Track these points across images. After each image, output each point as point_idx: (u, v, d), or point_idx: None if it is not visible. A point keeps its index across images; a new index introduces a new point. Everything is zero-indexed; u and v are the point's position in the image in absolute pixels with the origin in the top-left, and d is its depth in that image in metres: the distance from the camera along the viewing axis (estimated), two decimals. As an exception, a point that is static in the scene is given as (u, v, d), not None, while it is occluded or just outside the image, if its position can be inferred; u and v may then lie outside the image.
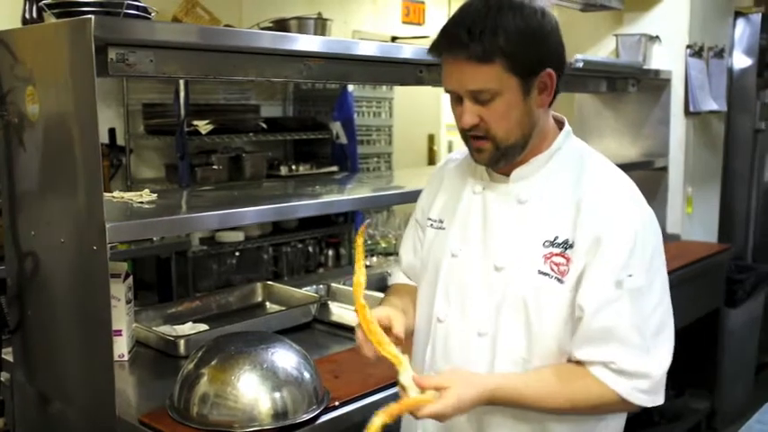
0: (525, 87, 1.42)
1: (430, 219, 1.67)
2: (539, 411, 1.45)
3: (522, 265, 1.46)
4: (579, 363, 1.44)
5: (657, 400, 1.45)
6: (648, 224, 1.46)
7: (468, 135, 1.48)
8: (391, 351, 1.41)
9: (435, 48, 1.46)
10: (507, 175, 1.53)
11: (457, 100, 1.47)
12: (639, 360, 1.41)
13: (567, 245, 1.43)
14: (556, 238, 1.44)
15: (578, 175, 1.49)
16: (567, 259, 1.42)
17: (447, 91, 1.49)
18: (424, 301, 1.65)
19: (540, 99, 1.46)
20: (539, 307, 1.44)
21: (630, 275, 1.40)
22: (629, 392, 1.41)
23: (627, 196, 1.48)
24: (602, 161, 1.55)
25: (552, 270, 1.43)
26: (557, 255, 1.43)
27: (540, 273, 1.44)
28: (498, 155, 1.47)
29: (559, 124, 1.57)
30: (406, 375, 1.38)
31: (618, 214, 1.43)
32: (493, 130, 1.44)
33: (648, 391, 1.43)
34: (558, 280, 1.43)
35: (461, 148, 1.68)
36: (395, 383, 1.73)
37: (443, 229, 1.62)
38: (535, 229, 1.46)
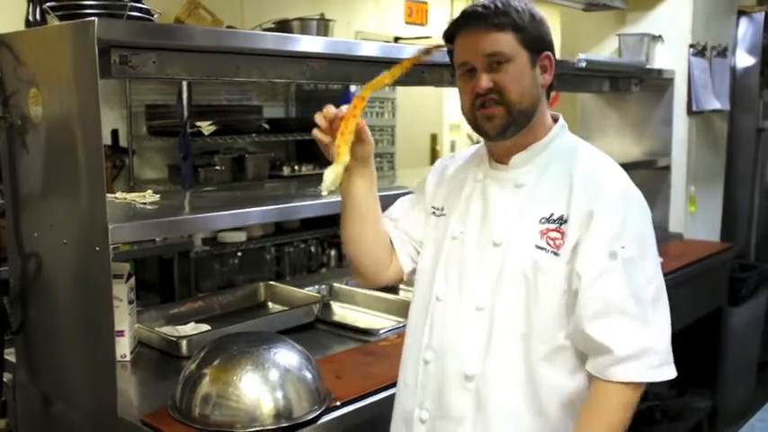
0: (532, 61, 1.55)
1: (433, 207, 1.74)
2: None
3: (519, 241, 1.53)
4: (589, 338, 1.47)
5: (670, 372, 1.49)
6: (637, 202, 1.55)
7: (479, 104, 1.55)
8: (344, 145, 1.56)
9: (452, 28, 1.59)
10: (505, 164, 1.62)
11: (468, 73, 1.56)
12: (641, 335, 1.46)
13: (561, 220, 1.51)
14: (551, 214, 1.52)
15: (572, 160, 1.58)
16: (562, 233, 1.50)
17: (460, 66, 1.58)
18: (421, 284, 1.70)
19: (543, 78, 1.58)
20: (537, 280, 1.51)
21: (623, 247, 1.47)
22: (641, 374, 1.45)
23: (616, 175, 1.57)
24: (594, 150, 1.64)
25: (548, 244, 1.51)
26: (552, 230, 1.52)
27: (537, 247, 1.52)
28: (510, 120, 1.54)
29: (555, 120, 1.66)
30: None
31: (607, 190, 1.52)
32: (506, 93, 1.52)
33: (660, 365, 1.47)
34: (554, 254, 1.50)
35: (461, 150, 1.78)
36: (395, 384, 1.75)
37: (444, 215, 1.70)
38: (532, 209, 1.55)
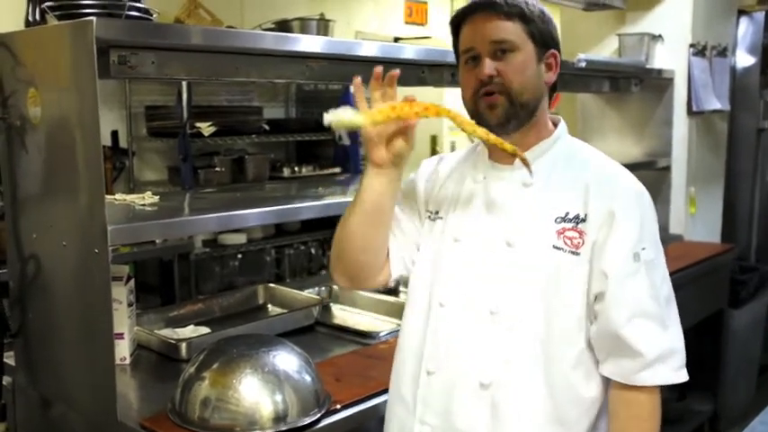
0: (538, 56, 1.53)
1: (428, 211, 1.68)
2: None
3: (535, 242, 1.50)
4: (619, 339, 1.47)
5: (686, 374, 1.51)
6: (649, 203, 1.55)
7: (482, 93, 1.51)
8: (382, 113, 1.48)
9: (460, 15, 1.57)
10: (510, 163, 1.57)
11: (473, 60, 1.53)
12: (664, 337, 1.48)
13: (578, 219, 1.49)
14: (567, 213, 1.50)
15: (580, 160, 1.57)
16: (580, 232, 1.48)
17: (464, 53, 1.55)
18: (418, 291, 1.63)
19: (547, 76, 1.56)
20: (557, 281, 1.48)
21: (644, 248, 1.48)
22: (668, 376, 1.47)
23: (628, 176, 1.57)
24: (598, 152, 1.63)
25: (566, 244, 1.48)
26: (569, 229, 1.49)
27: (555, 247, 1.48)
28: (511, 111, 1.51)
29: (554, 123, 1.64)
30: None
31: (626, 192, 1.52)
32: (508, 83, 1.49)
33: (680, 367, 1.49)
34: (573, 253, 1.48)
35: (446, 154, 1.77)
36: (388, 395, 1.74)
37: (441, 218, 1.64)
38: (544, 208, 1.51)
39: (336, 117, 1.44)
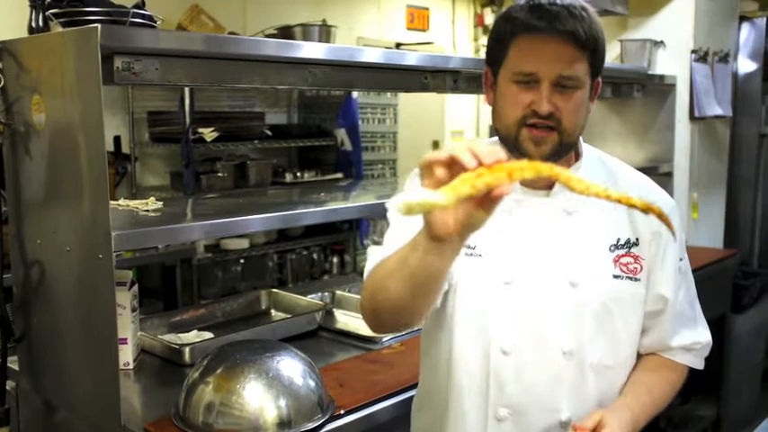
0: (591, 89, 1.43)
1: None
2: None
3: (596, 275, 1.45)
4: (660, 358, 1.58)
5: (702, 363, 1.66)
6: (678, 211, 1.57)
7: (531, 123, 1.36)
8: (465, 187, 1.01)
9: (523, 24, 1.34)
10: (542, 188, 1.46)
11: (525, 84, 1.36)
12: (699, 334, 1.61)
13: (630, 244, 1.47)
14: (618, 240, 1.47)
15: (610, 177, 1.51)
16: (636, 257, 1.47)
17: (518, 73, 1.36)
18: (467, 336, 1.49)
19: (592, 106, 1.46)
20: (623, 310, 1.47)
21: (681, 259, 1.54)
22: (698, 364, 1.63)
23: (661, 190, 1.59)
24: (618, 161, 1.61)
25: (623, 271, 1.46)
26: (624, 255, 1.47)
27: (615, 277, 1.46)
28: (559, 149, 1.40)
29: None
30: None
31: (665, 207, 1.40)
32: (564, 122, 1.37)
33: (705, 355, 1.65)
34: (631, 278, 1.47)
35: None
36: (400, 391, 1.73)
37: (479, 256, 1.46)
38: (596, 238, 1.46)
39: (406, 202, 0.98)
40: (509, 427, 1.48)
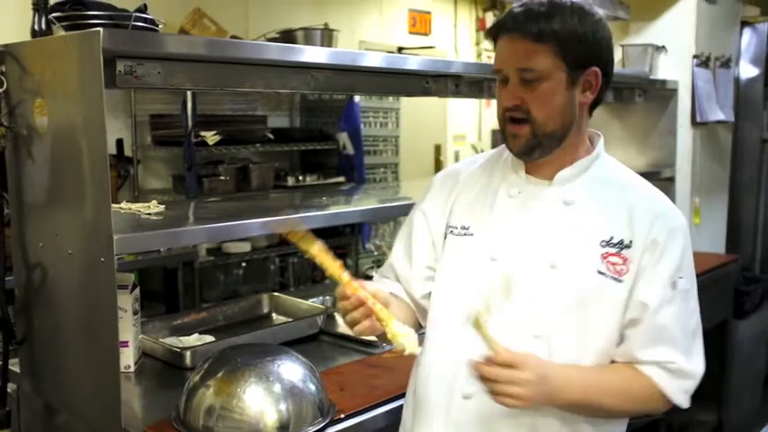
0: (571, 79, 1.45)
1: (451, 226, 1.62)
2: (590, 409, 1.47)
3: (579, 265, 1.46)
4: (629, 364, 1.50)
5: (687, 401, 1.52)
6: (688, 233, 1.54)
7: (507, 119, 1.47)
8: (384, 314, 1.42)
9: (493, 29, 1.49)
10: (547, 178, 1.53)
11: (503, 82, 1.48)
12: (687, 361, 1.48)
13: (622, 245, 1.46)
14: (611, 238, 1.47)
15: (620, 181, 1.55)
16: (624, 259, 1.46)
17: (495, 73, 1.50)
18: (447, 311, 1.58)
19: (584, 96, 1.49)
20: (599, 308, 1.46)
21: (681, 277, 1.47)
22: (675, 392, 1.48)
23: (671, 204, 1.56)
24: (633, 172, 1.62)
25: (609, 270, 1.46)
26: (613, 255, 1.46)
27: (599, 272, 1.46)
28: (534, 142, 1.46)
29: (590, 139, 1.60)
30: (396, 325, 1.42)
31: (671, 220, 1.50)
32: (533, 113, 1.44)
33: (689, 392, 1.50)
34: (616, 279, 1.45)
35: (461, 161, 1.72)
36: (401, 395, 1.74)
37: (471, 235, 1.57)
38: (588, 230, 1.48)
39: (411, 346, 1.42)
40: (473, 405, 1.50)
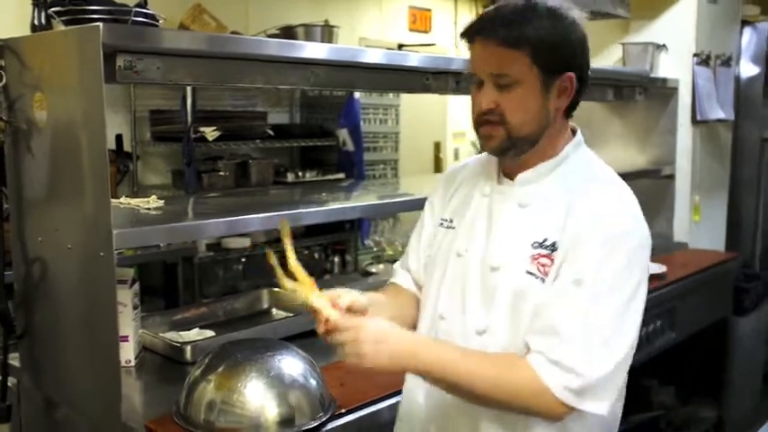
0: (546, 84, 1.45)
1: (443, 219, 1.68)
2: (459, 389, 1.41)
3: (512, 266, 1.48)
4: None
5: (590, 405, 1.39)
6: (632, 234, 1.44)
7: (481, 121, 1.49)
8: (302, 275, 1.52)
9: (467, 32, 1.49)
10: (513, 179, 1.55)
11: (478, 86, 1.49)
12: (576, 357, 1.37)
13: (553, 247, 1.45)
14: (545, 240, 1.46)
15: (578, 182, 1.50)
16: (552, 261, 1.44)
17: (471, 76, 1.51)
18: (429, 299, 1.65)
19: (558, 102, 1.48)
20: (528, 307, 1.45)
21: (596, 277, 1.39)
22: (557, 386, 1.37)
23: (616, 203, 1.48)
24: (606, 172, 1.55)
25: (538, 270, 1.45)
26: (543, 256, 1.45)
27: (528, 273, 1.46)
28: (509, 144, 1.48)
29: (573, 132, 1.58)
30: (316, 296, 1.47)
31: (600, 217, 1.43)
32: (508, 117, 1.45)
33: (578, 392, 1.37)
34: (542, 280, 1.44)
35: (471, 157, 1.74)
36: (402, 391, 1.74)
37: (453, 228, 1.64)
38: (529, 231, 1.48)
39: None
40: (437, 392, 1.53)
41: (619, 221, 1.44)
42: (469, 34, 1.49)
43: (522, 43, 1.41)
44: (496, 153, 1.53)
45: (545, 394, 1.37)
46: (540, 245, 1.46)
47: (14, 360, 2.10)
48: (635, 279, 1.42)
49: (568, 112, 1.53)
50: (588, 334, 1.38)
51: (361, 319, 1.43)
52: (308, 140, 5.08)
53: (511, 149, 1.49)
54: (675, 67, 3.99)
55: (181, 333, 2.35)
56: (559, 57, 1.44)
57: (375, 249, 4.40)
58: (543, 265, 1.45)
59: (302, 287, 1.50)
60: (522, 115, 1.45)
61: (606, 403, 1.40)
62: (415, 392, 1.65)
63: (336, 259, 5.28)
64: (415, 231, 1.80)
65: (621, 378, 1.45)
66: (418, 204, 1.94)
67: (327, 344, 1.42)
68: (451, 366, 1.40)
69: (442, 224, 1.68)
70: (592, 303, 1.39)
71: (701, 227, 4.14)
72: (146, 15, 1.84)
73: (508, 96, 1.44)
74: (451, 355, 1.43)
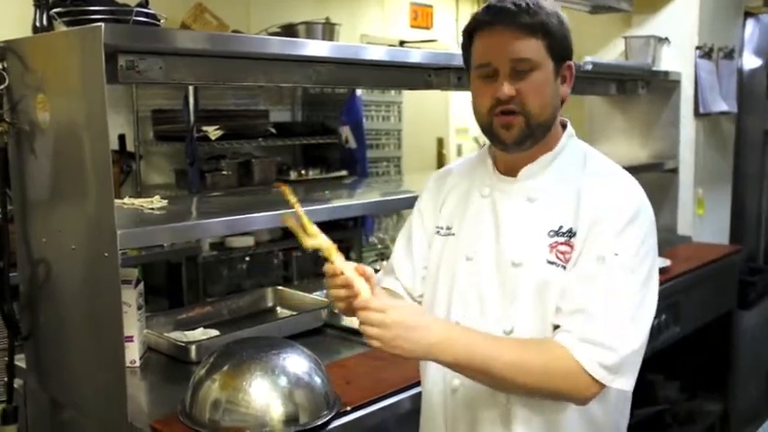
0: (556, 71, 1.49)
1: (438, 227, 1.67)
2: (489, 372, 1.39)
3: (533, 258, 1.48)
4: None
5: (621, 381, 1.40)
6: (643, 212, 1.47)
7: (497, 112, 1.47)
8: (321, 239, 1.45)
9: (475, 23, 1.50)
10: (514, 175, 1.56)
11: (487, 77, 1.47)
12: (607, 332, 1.38)
13: (570, 233, 1.46)
14: (560, 227, 1.47)
15: (581, 171, 1.53)
16: (572, 247, 1.45)
17: (479, 67, 1.49)
18: (439, 308, 1.62)
19: (563, 89, 1.52)
20: (552, 296, 1.45)
21: (616, 254, 1.42)
22: (591, 363, 1.37)
23: (624, 184, 1.51)
24: (603, 158, 1.59)
25: (558, 259, 1.46)
26: (562, 243, 1.46)
27: (549, 262, 1.46)
28: (528, 132, 1.47)
29: (562, 126, 1.60)
30: (339, 259, 1.43)
31: (613, 198, 1.46)
32: (528, 104, 1.45)
33: (611, 368, 1.38)
34: (563, 267, 1.45)
35: (454, 162, 1.75)
36: (407, 388, 1.74)
37: (453, 234, 1.63)
38: (542, 222, 1.49)
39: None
40: (460, 397, 1.55)
41: (631, 203, 1.47)
42: (482, 24, 1.49)
43: (538, 30, 1.44)
44: (516, 142, 1.49)
45: (576, 374, 1.38)
46: (557, 233, 1.47)
47: (20, 361, 2.10)
48: (650, 258, 1.47)
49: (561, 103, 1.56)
50: (615, 311, 1.40)
51: (395, 301, 1.40)
52: (310, 138, 5.08)
53: (528, 139, 1.49)
54: (678, 60, 3.98)
55: (185, 333, 2.35)
56: (565, 45, 1.50)
57: (379, 246, 4.41)
58: (563, 253, 1.45)
59: (324, 247, 1.46)
60: (540, 100, 1.46)
61: (633, 380, 1.44)
62: (437, 389, 1.62)
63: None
64: (401, 241, 1.77)
65: (642, 355, 1.47)
66: (421, 201, 1.94)
67: (340, 314, 1.40)
68: (484, 353, 1.38)
69: (438, 232, 1.66)
70: (615, 281, 1.41)
71: (704, 220, 4.13)
72: (147, 15, 1.84)
73: (527, 83, 1.45)
74: (483, 341, 1.41)
